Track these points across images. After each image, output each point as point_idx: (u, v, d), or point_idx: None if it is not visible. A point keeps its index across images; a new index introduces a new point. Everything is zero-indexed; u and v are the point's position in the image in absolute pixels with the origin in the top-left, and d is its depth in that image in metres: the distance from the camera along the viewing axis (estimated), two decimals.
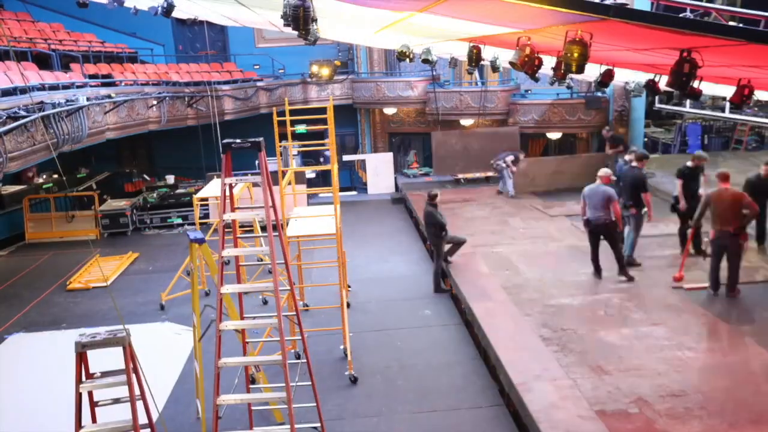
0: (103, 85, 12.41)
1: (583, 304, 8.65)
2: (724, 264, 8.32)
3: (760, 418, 5.79)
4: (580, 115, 16.40)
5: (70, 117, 9.86)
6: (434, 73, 17.67)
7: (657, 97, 16.85)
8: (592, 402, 6.16)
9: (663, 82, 7.21)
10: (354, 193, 18.41)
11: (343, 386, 7.52)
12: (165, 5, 10.58)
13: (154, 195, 16.90)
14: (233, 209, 5.37)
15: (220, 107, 16.31)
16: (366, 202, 17.17)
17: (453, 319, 9.28)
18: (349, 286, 10.23)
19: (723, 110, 14.87)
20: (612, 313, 8.31)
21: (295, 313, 5.89)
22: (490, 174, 16.36)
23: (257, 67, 19.61)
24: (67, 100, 9.79)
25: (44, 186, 15.69)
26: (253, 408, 6.14)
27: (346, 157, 18.47)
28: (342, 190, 18.29)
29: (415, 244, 13.30)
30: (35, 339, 9.36)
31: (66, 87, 10.88)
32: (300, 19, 6.01)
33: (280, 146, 8.82)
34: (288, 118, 8.48)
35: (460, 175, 16.83)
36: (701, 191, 9.49)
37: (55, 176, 16.20)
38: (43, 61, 13.31)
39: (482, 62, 9.49)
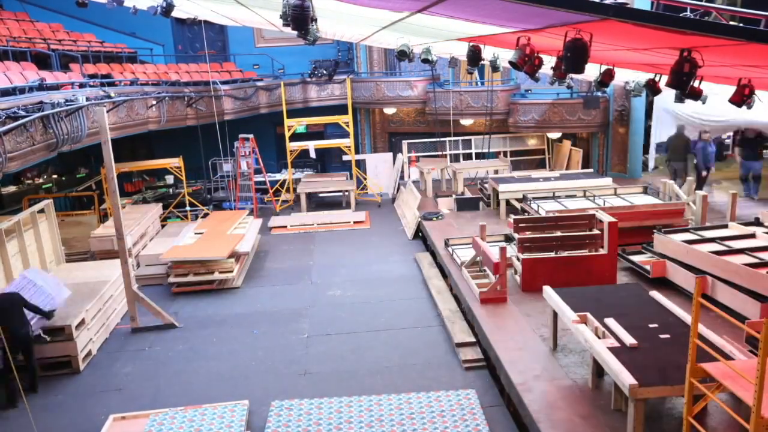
0: (103, 84, 12.39)
1: None
2: None
3: None
4: (580, 114, 16.40)
5: (69, 117, 9.84)
6: (434, 72, 17.66)
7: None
8: (592, 402, 6.16)
9: (663, 82, 7.20)
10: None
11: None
12: (164, 5, 10.59)
13: (154, 194, 16.93)
14: None
15: (219, 107, 16.30)
16: (367, 202, 17.18)
17: None
18: None
19: None
20: None
21: None
22: None
23: (257, 66, 19.61)
24: (67, 100, 9.77)
25: (44, 186, 15.67)
26: None
27: (346, 157, 18.47)
28: None
29: (416, 244, 13.30)
30: None
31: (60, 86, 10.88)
32: (299, 19, 6.00)
33: None
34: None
35: None
36: None
37: (55, 176, 16.20)
38: (42, 61, 13.31)
39: (482, 62, 9.48)
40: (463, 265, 10.01)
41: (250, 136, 16.42)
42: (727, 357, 5.18)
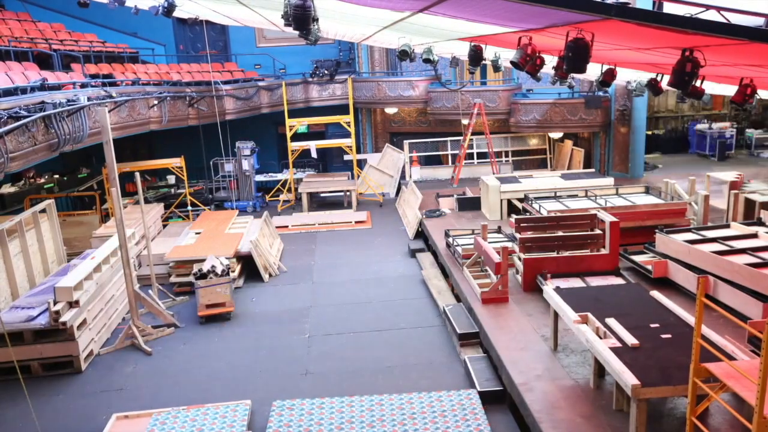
0: (104, 84, 12.39)
1: None
2: None
3: None
4: (582, 114, 16.38)
5: (71, 117, 9.85)
6: (436, 72, 17.64)
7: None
8: (593, 402, 6.15)
9: (665, 82, 7.19)
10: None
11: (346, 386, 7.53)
12: (166, 5, 10.60)
13: (155, 194, 16.92)
14: None
15: (221, 107, 16.31)
16: (368, 202, 17.17)
17: None
18: None
19: None
20: None
21: None
22: None
23: (258, 66, 19.60)
24: (68, 100, 9.78)
25: (45, 186, 15.67)
26: None
27: (347, 157, 18.47)
28: None
29: (417, 244, 13.28)
30: None
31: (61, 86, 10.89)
32: (301, 18, 6.00)
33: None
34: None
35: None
36: None
37: (56, 176, 16.19)
38: (44, 61, 13.30)
39: (484, 61, 9.47)
40: (465, 264, 10.01)
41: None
42: (730, 357, 5.17)
